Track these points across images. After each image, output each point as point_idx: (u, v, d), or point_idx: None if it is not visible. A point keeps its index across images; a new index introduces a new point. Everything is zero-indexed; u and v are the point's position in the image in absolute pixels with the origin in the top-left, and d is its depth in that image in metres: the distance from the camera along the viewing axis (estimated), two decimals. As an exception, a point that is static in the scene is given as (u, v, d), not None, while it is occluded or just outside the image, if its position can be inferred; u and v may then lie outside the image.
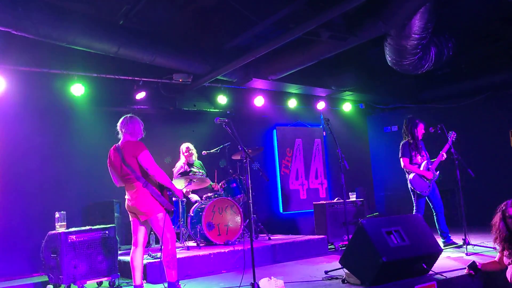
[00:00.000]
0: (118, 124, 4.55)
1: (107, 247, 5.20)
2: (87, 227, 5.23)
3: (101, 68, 6.86)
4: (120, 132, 4.55)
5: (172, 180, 5.04)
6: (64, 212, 5.23)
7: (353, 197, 7.64)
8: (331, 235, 7.05)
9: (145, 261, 5.11)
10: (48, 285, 5.13)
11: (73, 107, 7.05)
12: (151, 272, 5.25)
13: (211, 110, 8.56)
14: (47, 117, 6.88)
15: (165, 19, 6.30)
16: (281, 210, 9.30)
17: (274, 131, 9.52)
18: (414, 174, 6.28)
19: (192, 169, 7.12)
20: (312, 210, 7.59)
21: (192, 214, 6.47)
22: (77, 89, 6.66)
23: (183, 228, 6.43)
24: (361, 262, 4.34)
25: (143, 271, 4.59)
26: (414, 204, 6.31)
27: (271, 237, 6.90)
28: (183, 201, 6.51)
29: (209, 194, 6.72)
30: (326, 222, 7.13)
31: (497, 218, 4.26)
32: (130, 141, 4.48)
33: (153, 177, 4.42)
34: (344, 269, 4.53)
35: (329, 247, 6.89)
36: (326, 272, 4.96)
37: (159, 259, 5.18)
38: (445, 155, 6.34)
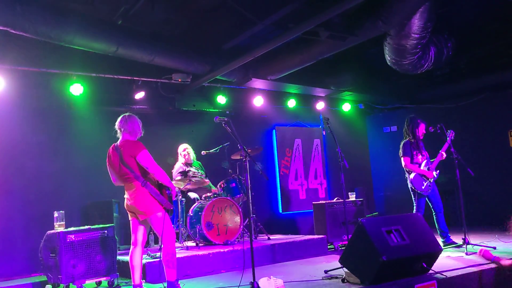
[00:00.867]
0: (117, 123, 4.54)
1: (106, 246, 5.19)
2: (86, 227, 5.22)
3: (100, 67, 6.85)
4: (118, 131, 4.54)
5: (172, 180, 5.03)
6: (63, 212, 5.22)
7: (352, 197, 7.64)
8: (330, 235, 7.05)
9: (144, 261, 5.10)
10: (47, 285, 5.12)
11: (72, 106, 7.04)
12: (150, 272, 5.24)
13: (210, 110, 8.55)
14: (46, 117, 6.87)
15: (164, 19, 6.29)
16: (280, 210, 9.29)
17: (274, 131, 9.51)
18: (414, 173, 6.28)
19: (191, 169, 7.11)
20: (312, 210, 7.59)
21: (191, 214, 6.46)
22: (76, 89, 6.64)
23: (182, 228, 6.41)
24: (361, 261, 4.33)
25: (142, 271, 4.58)
26: (414, 204, 6.31)
27: (271, 237, 6.89)
28: (182, 200, 6.50)
29: (208, 194, 6.71)
30: (326, 222, 7.13)
31: None
32: (128, 140, 4.47)
33: (153, 176, 4.41)
34: (344, 268, 4.53)
35: (328, 247, 6.88)
36: (325, 272, 4.95)
37: (158, 259, 5.17)
38: (444, 154, 6.36)
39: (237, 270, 5.59)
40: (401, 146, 6.43)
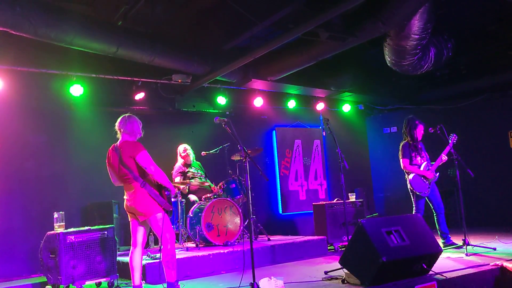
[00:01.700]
0: (116, 123, 4.54)
1: (106, 247, 5.18)
2: (86, 228, 5.21)
3: (100, 68, 6.85)
4: (118, 131, 4.53)
5: (171, 181, 5.02)
6: (63, 213, 5.21)
7: (352, 198, 7.63)
8: (330, 235, 7.04)
9: (144, 262, 5.10)
10: (47, 286, 5.11)
11: (72, 107, 7.03)
12: (150, 273, 5.23)
13: (210, 110, 8.55)
14: (46, 118, 6.86)
15: (164, 20, 6.30)
16: (280, 211, 9.28)
17: (274, 132, 9.51)
18: (413, 174, 6.27)
19: (191, 169, 7.10)
20: (312, 211, 7.58)
21: (191, 215, 6.45)
22: (76, 90, 6.64)
23: (182, 229, 6.41)
24: (361, 262, 4.33)
25: (142, 272, 4.57)
26: (413, 205, 6.30)
27: (271, 238, 6.88)
28: (182, 201, 6.49)
29: (208, 195, 6.70)
30: (326, 223, 7.12)
31: None
32: (128, 141, 4.46)
33: (152, 177, 4.41)
34: (344, 269, 4.52)
35: (328, 247, 6.88)
36: (325, 273, 4.94)
37: (158, 260, 5.16)
38: (445, 158, 6.31)
39: (237, 271, 5.59)
40: (400, 147, 6.42)
